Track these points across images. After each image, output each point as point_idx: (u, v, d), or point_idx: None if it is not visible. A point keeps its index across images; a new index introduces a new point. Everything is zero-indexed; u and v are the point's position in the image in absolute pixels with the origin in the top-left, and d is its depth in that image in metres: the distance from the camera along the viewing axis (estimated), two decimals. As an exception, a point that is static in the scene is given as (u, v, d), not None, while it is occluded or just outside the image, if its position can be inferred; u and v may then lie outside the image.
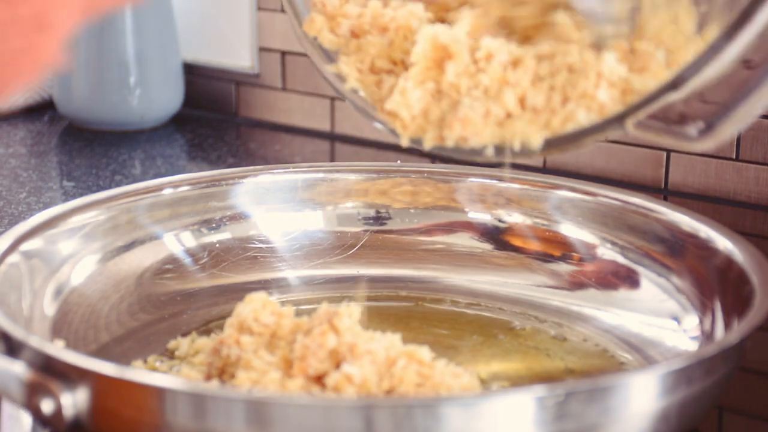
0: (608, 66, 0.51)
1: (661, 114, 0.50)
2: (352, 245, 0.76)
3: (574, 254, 0.74)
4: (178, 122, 1.16)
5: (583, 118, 0.51)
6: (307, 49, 0.58)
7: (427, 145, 0.54)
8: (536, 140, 0.52)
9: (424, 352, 0.56)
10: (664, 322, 0.67)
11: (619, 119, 0.51)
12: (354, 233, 0.77)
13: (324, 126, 1.14)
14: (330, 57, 0.58)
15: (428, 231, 0.78)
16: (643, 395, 0.52)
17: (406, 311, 0.71)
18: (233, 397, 0.49)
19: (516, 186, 0.77)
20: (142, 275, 0.71)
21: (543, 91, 0.52)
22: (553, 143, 0.52)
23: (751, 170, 0.93)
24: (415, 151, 1.08)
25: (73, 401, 0.51)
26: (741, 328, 0.56)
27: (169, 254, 0.73)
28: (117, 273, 0.70)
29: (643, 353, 0.66)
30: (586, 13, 0.53)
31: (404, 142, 0.54)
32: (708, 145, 0.49)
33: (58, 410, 0.51)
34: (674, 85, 0.49)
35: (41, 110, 1.17)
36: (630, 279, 0.71)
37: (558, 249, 0.75)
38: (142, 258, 0.72)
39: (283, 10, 1.08)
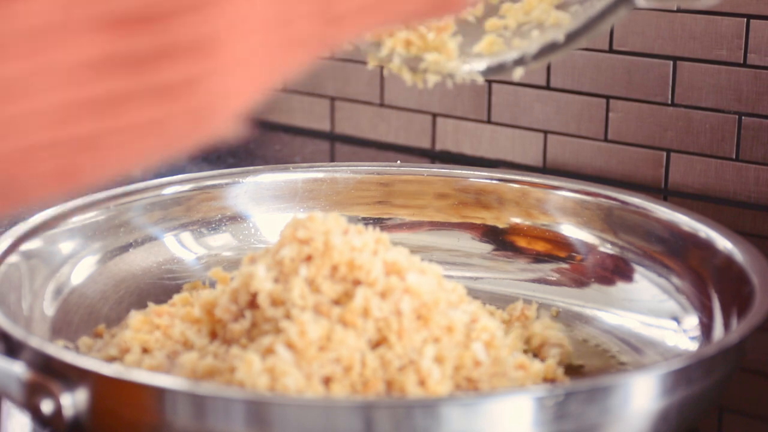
0: None
1: None
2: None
3: (574, 254, 0.74)
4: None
5: None
6: None
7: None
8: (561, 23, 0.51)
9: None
10: (664, 322, 0.67)
11: None
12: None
13: (324, 126, 1.14)
14: None
15: (428, 231, 0.78)
16: (643, 395, 0.52)
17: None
18: (233, 397, 0.49)
19: (516, 186, 0.77)
20: (142, 275, 0.71)
21: None
22: (572, 36, 0.51)
23: (751, 170, 0.93)
24: (415, 152, 1.08)
25: (72, 401, 0.51)
26: (741, 328, 0.56)
27: (169, 254, 0.73)
28: (117, 273, 0.70)
29: (643, 353, 0.66)
30: None
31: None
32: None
33: (58, 410, 0.51)
34: None
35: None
36: (630, 279, 0.71)
37: (558, 249, 0.75)
38: (142, 258, 0.72)
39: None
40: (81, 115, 0.32)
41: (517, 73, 0.54)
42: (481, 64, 0.55)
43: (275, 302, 0.56)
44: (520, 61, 0.53)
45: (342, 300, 0.56)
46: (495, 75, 0.55)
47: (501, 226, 0.77)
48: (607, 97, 0.98)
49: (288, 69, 0.37)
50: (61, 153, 0.33)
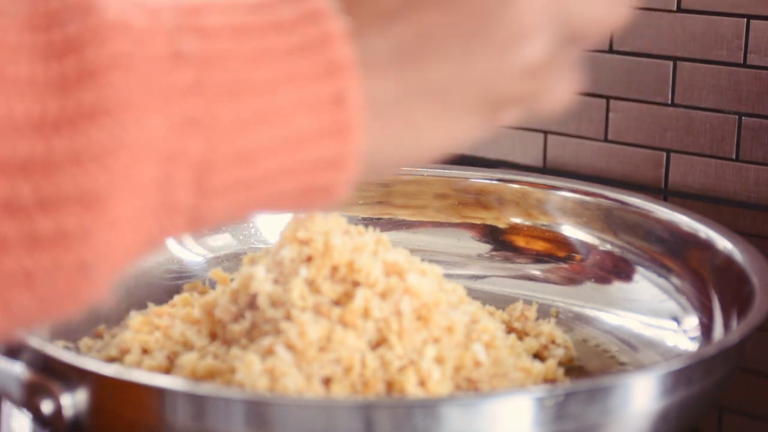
0: None
1: None
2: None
3: (574, 254, 0.74)
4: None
5: None
6: None
7: None
8: None
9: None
10: (664, 322, 0.67)
11: None
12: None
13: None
14: None
15: (428, 231, 0.78)
16: (643, 395, 0.52)
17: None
18: (233, 397, 0.49)
19: (516, 186, 0.77)
20: (142, 275, 0.71)
21: None
22: None
23: (751, 170, 0.93)
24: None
25: (72, 402, 0.51)
26: (741, 328, 0.56)
27: (169, 254, 0.73)
28: (117, 273, 0.70)
29: (643, 353, 0.66)
30: None
31: None
32: None
33: (58, 411, 0.51)
34: None
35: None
36: (630, 279, 0.71)
37: (558, 249, 0.75)
38: (142, 258, 0.72)
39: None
40: None
41: None
42: None
43: (275, 303, 0.56)
44: None
45: (342, 300, 0.56)
46: None
47: (501, 226, 0.77)
48: (607, 97, 0.98)
49: (163, 237, 0.36)
50: None
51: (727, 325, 0.61)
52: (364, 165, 0.37)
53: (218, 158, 0.34)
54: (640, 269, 0.71)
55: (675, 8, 0.94)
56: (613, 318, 0.69)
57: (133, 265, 0.37)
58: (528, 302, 0.69)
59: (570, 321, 0.70)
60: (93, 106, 0.32)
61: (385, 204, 0.79)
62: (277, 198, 0.37)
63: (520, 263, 0.75)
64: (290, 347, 0.53)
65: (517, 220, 0.77)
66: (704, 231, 0.68)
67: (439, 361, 0.55)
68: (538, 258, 0.75)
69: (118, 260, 0.35)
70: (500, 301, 0.70)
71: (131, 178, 0.33)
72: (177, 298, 0.65)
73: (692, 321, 0.65)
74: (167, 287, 0.71)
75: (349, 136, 0.36)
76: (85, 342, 0.64)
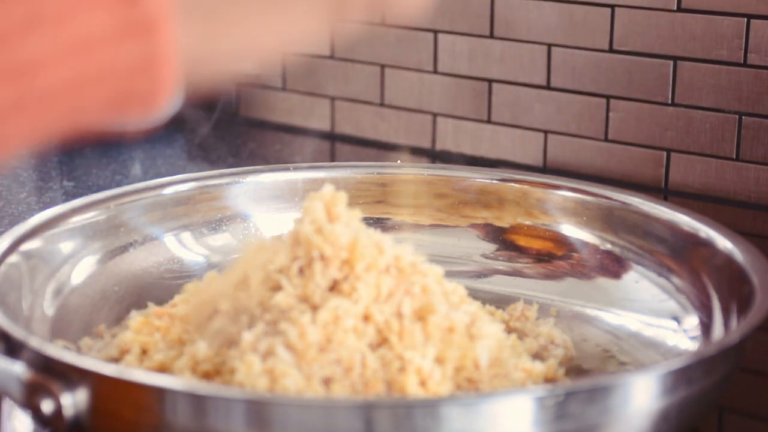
0: None
1: None
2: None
3: (574, 254, 0.74)
4: (178, 122, 1.16)
5: None
6: None
7: None
8: None
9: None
10: (664, 322, 0.67)
11: None
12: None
13: (324, 126, 1.14)
14: None
15: (428, 231, 0.78)
16: (643, 395, 0.52)
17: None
18: (233, 397, 0.49)
19: (516, 186, 0.77)
20: (142, 275, 0.71)
21: None
22: None
23: (751, 170, 0.93)
24: (415, 152, 1.08)
25: (72, 401, 0.51)
26: (741, 328, 0.56)
27: (169, 254, 0.73)
28: (117, 273, 0.70)
29: (644, 353, 0.66)
30: None
31: None
32: None
33: (58, 410, 0.51)
34: None
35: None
36: (630, 279, 0.71)
37: (558, 249, 0.75)
38: (142, 258, 0.72)
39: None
40: None
41: None
42: None
43: (271, 308, 0.56)
44: None
45: (341, 295, 0.56)
46: None
47: (501, 226, 0.77)
48: (607, 97, 0.98)
49: None
50: None
51: (727, 325, 0.61)
52: (187, 64, 0.32)
53: None
54: (640, 269, 0.71)
55: (675, 8, 0.94)
56: (613, 318, 0.69)
57: None
58: (528, 302, 0.69)
59: (570, 321, 0.70)
60: None
61: (385, 204, 0.79)
62: (85, 110, 0.32)
63: (521, 263, 0.75)
64: (290, 347, 0.53)
65: (517, 220, 0.77)
66: (704, 231, 0.68)
67: (440, 361, 0.55)
68: (539, 257, 0.75)
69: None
70: (500, 301, 0.70)
71: None
72: (177, 298, 0.65)
73: (692, 321, 0.65)
74: (167, 287, 0.71)
75: (153, 32, 0.31)
76: (85, 342, 0.64)
